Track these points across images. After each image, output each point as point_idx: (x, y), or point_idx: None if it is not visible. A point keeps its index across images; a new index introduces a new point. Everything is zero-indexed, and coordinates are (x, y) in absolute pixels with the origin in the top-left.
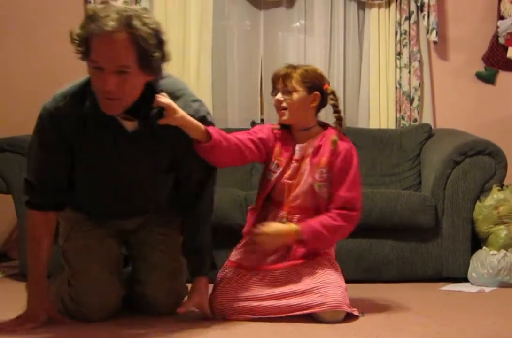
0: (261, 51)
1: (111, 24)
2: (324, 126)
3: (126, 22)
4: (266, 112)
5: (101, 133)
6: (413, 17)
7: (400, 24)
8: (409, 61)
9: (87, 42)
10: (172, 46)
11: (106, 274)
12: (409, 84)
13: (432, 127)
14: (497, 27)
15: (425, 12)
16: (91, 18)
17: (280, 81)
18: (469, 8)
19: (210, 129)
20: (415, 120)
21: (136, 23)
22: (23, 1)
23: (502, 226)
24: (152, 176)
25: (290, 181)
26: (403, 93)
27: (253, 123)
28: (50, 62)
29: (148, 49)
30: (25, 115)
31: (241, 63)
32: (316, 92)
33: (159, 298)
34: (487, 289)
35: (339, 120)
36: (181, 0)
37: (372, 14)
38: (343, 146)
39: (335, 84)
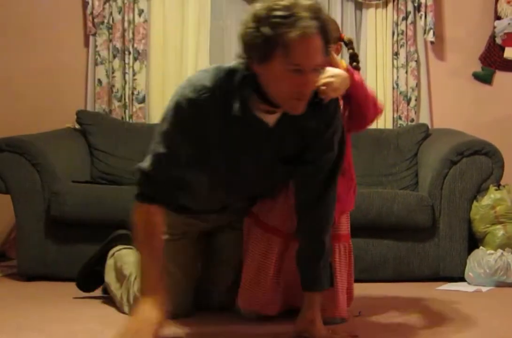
0: None
1: (313, 24)
2: None
3: (319, 18)
4: None
5: (244, 132)
6: (410, 17)
7: (397, 24)
8: (406, 61)
9: (277, 45)
10: (170, 46)
11: (186, 282)
12: (406, 84)
13: (429, 127)
14: (494, 27)
15: (422, 12)
16: (285, 18)
17: None
18: (466, 9)
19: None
20: (412, 120)
21: (323, 17)
22: (23, 3)
23: (499, 226)
24: (280, 170)
25: None
26: (400, 93)
27: None
28: (48, 63)
29: (329, 42)
30: (23, 115)
31: None
32: (340, 42)
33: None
34: (484, 289)
35: (358, 69)
36: (179, 1)
37: (370, 14)
38: None
39: None
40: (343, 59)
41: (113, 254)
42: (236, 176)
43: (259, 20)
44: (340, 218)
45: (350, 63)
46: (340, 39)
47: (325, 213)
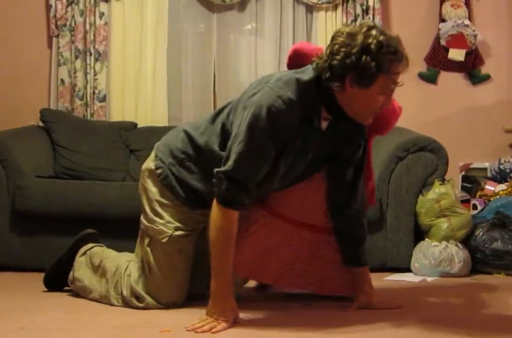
0: (214, 52)
1: (406, 55)
2: None
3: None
4: None
5: (307, 135)
6: (359, 20)
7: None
8: None
9: (382, 75)
10: (129, 47)
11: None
12: None
13: None
14: (439, 29)
15: (370, 15)
16: (394, 54)
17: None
18: (412, 12)
19: None
20: None
21: None
22: None
23: (443, 219)
24: (319, 167)
25: None
26: None
27: None
28: (13, 64)
29: None
30: None
31: (195, 63)
32: None
33: None
34: (429, 279)
35: None
36: (138, 4)
37: (320, 17)
38: None
39: None
40: None
41: (84, 253)
42: (287, 174)
43: (369, 52)
44: None
45: None
46: None
47: (361, 199)
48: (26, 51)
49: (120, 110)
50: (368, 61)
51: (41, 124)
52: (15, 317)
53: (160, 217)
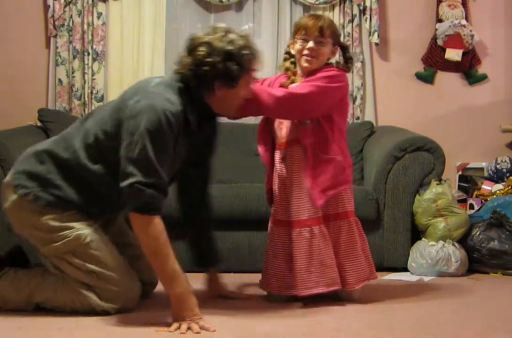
0: None
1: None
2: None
3: None
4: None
5: (184, 135)
6: (356, 20)
7: (343, 27)
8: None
9: (245, 74)
10: (127, 47)
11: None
12: (352, 84)
13: (374, 124)
14: (436, 29)
15: (367, 16)
16: (253, 55)
17: (316, 31)
18: (409, 12)
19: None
20: (358, 118)
21: None
22: None
23: (440, 219)
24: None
25: (279, 122)
26: None
27: None
28: (11, 64)
29: None
30: None
31: None
32: (336, 46)
33: (154, 281)
34: (426, 278)
35: (349, 68)
36: (136, 4)
37: None
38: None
39: None
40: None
41: None
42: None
43: (232, 58)
44: (347, 196)
45: (345, 62)
46: (340, 43)
47: (211, 204)
48: (24, 51)
49: None
50: (233, 66)
51: (39, 124)
52: (13, 317)
53: (64, 228)
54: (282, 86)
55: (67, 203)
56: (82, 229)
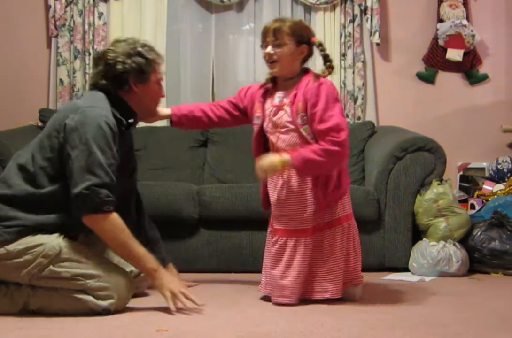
0: (212, 53)
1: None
2: (306, 72)
3: None
4: None
5: (119, 142)
6: (357, 20)
7: (344, 27)
8: (353, 62)
9: (151, 68)
10: None
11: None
12: (353, 84)
13: (375, 124)
14: (437, 29)
15: (368, 16)
16: (151, 50)
17: (271, 34)
18: (410, 12)
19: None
20: (359, 118)
21: None
22: None
23: (441, 219)
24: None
25: (274, 130)
26: (348, 92)
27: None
28: (12, 64)
29: None
30: None
31: (194, 64)
32: (304, 45)
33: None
34: (427, 278)
35: (331, 68)
36: (137, 5)
37: (318, 17)
38: (310, 85)
39: None
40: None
41: None
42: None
43: (138, 53)
44: (341, 202)
45: (324, 63)
46: (311, 42)
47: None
48: (25, 51)
49: None
50: (140, 60)
51: (40, 124)
52: (14, 316)
53: (33, 246)
54: (262, 96)
55: (27, 228)
56: (50, 241)
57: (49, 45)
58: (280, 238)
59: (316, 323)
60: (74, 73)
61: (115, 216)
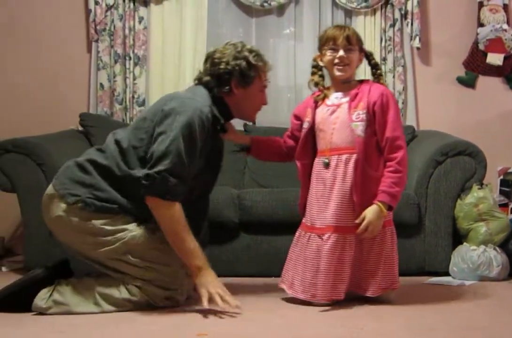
0: None
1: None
2: (360, 81)
3: None
4: (258, 114)
5: (211, 138)
6: (397, 24)
7: (385, 31)
8: (394, 66)
9: (256, 73)
10: (168, 52)
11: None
12: (394, 88)
13: (416, 129)
14: (477, 34)
15: (409, 20)
16: (258, 56)
17: (343, 39)
18: (450, 16)
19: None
20: None
21: None
22: (30, 11)
23: (481, 223)
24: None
25: (329, 127)
26: None
27: (245, 125)
28: (53, 68)
29: None
30: (29, 117)
31: None
32: (362, 53)
33: None
34: (467, 283)
35: (381, 75)
36: (178, 9)
37: (359, 21)
38: (376, 90)
39: None
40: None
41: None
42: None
43: (243, 57)
44: None
45: (373, 72)
46: (364, 51)
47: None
48: (65, 56)
49: None
50: (244, 64)
51: (80, 128)
52: (55, 321)
53: (119, 230)
54: (315, 101)
55: (115, 207)
56: (134, 230)
57: (89, 50)
58: (328, 235)
59: (357, 327)
60: (114, 77)
61: (177, 207)
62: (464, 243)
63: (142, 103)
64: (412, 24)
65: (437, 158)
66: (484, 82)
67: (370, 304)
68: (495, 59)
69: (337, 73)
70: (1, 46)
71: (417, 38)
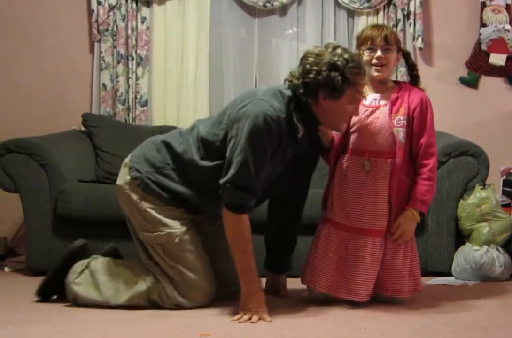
0: (255, 57)
1: (366, 68)
2: (397, 82)
3: None
4: None
5: (287, 144)
6: (400, 25)
7: None
8: (396, 66)
9: (350, 86)
10: (171, 52)
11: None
12: None
13: None
14: (480, 34)
15: (411, 20)
16: (357, 68)
17: (381, 39)
18: (453, 16)
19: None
20: None
21: None
22: (31, 12)
23: (484, 223)
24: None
25: (367, 128)
26: None
27: None
28: (55, 68)
29: None
30: (32, 118)
31: (236, 68)
32: (400, 53)
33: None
34: (470, 283)
35: (418, 77)
36: (180, 9)
37: (361, 21)
38: (418, 96)
39: None
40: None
41: (86, 267)
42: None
43: (337, 68)
44: None
45: (410, 72)
46: (402, 51)
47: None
48: (68, 56)
49: (162, 115)
50: (337, 76)
51: (83, 128)
52: (57, 321)
53: (160, 222)
54: None
55: (170, 195)
56: (175, 228)
57: (92, 50)
58: (368, 237)
59: (360, 327)
60: (117, 77)
61: (241, 220)
62: (467, 244)
63: (145, 103)
64: (414, 24)
65: (439, 158)
66: (487, 82)
67: (371, 304)
68: (497, 59)
69: (375, 73)
70: (4, 46)
71: (420, 39)
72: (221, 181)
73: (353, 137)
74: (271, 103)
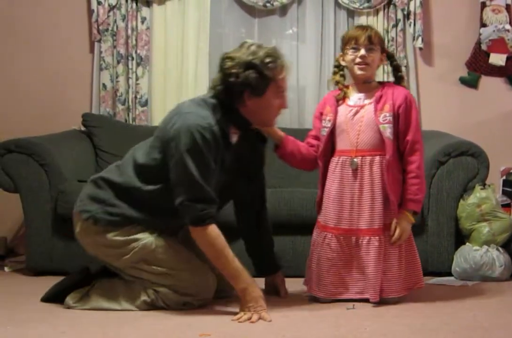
0: None
1: (284, 61)
2: (381, 82)
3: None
4: None
5: (223, 150)
6: (400, 25)
7: (387, 31)
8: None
9: (271, 82)
10: (171, 52)
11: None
12: None
13: None
14: (480, 34)
15: (411, 20)
16: (274, 63)
17: (365, 39)
18: (453, 16)
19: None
20: None
21: None
22: (31, 11)
23: (484, 223)
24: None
25: (354, 128)
26: None
27: None
28: (55, 68)
29: None
30: (32, 118)
31: None
32: (383, 54)
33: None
34: (470, 283)
35: (402, 78)
36: (180, 9)
37: (361, 21)
38: (400, 92)
39: (325, 89)
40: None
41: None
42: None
43: (253, 66)
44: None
45: (395, 73)
46: (386, 52)
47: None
48: (68, 56)
49: (162, 115)
50: (254, 74)
51: (83, 128)
52: (57, 321)
53: (130, 241)
54: (337, 100)
55: (126, 219)
56: (146, 238)
57: (92, 50)
58: (364, 237)
59: (360, 327)
60: (117, 77)
61: (210, 230)
62: (467, 244)
63: (145, 103)
64: (414, 24)
65: (439, 158)
66: (487, 82)
67: (371, 304)
68: (497, 59)
69: (358, 72)
70: (4, 46)
71: (420, 39)
72: (177, 202)
73: (340, 138)
74: (198, 114)
